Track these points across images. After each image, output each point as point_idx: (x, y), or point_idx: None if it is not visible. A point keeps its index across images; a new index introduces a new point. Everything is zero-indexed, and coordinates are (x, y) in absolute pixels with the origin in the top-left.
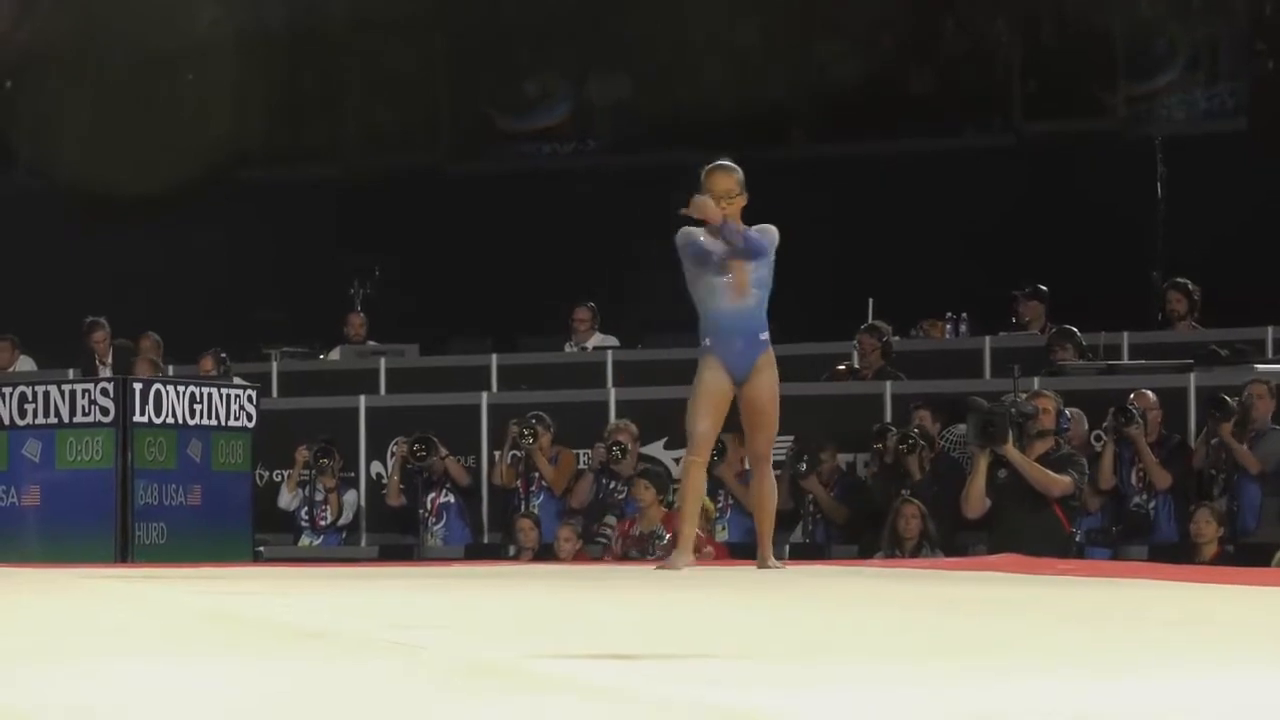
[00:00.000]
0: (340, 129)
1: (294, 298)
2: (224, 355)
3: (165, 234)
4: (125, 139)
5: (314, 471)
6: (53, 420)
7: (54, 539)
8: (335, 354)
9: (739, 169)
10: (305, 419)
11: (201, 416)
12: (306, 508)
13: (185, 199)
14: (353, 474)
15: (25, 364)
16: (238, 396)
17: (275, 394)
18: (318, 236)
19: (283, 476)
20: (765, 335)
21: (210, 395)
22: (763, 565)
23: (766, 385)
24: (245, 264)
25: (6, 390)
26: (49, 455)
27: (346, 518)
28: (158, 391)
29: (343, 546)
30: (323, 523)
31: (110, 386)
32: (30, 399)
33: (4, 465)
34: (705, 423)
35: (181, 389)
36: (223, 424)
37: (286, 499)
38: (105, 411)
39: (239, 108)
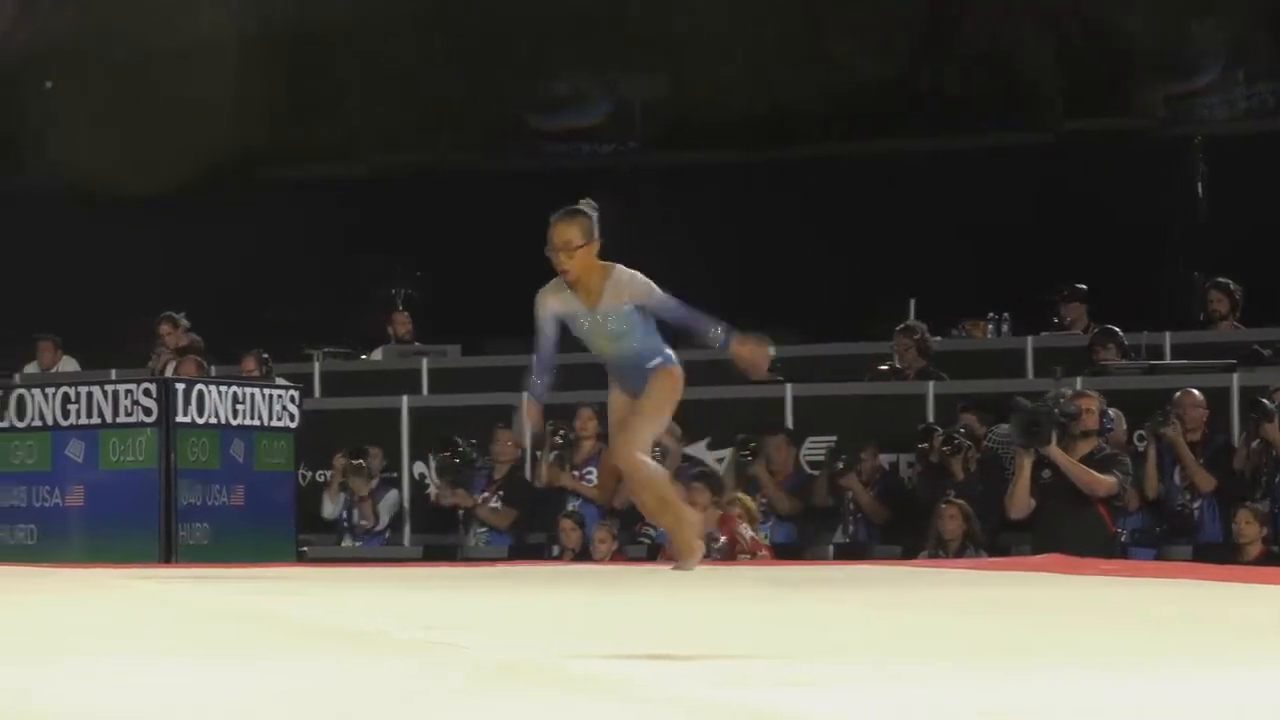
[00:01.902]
0: (372, 126)
1: (329, 297)
2: (266, 356)
3: (199, 232)
4: (161, 136)
5: (348, 480)
6: (96, 421)
7: (98, 539)
8: (377, 354)
9: (587, 212)
10: (348, 419)
11: (244, 417)
12: (347, 512)
13: (214, 197)
14: (395, 474)
15: (68, 365)
16: (280, 397)
17: (318, 394)
18: (350, 235)
19: (325, 477)
20: (653, 364)
21: (253, 395)
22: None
23: (645, 393)
24: (279, 263)
25: (50, 391)
26: (92, 456)
27: (383, 522)
28: (200, 392)
29: (386, 547)
30: (363, 526)
31: (153, 387)
32: (73, 399)
33: (48, 466)
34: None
35: (224, 389)
36: (265, 424)
37: (330, 509)
38: (148, 412)
39: (264, 106)
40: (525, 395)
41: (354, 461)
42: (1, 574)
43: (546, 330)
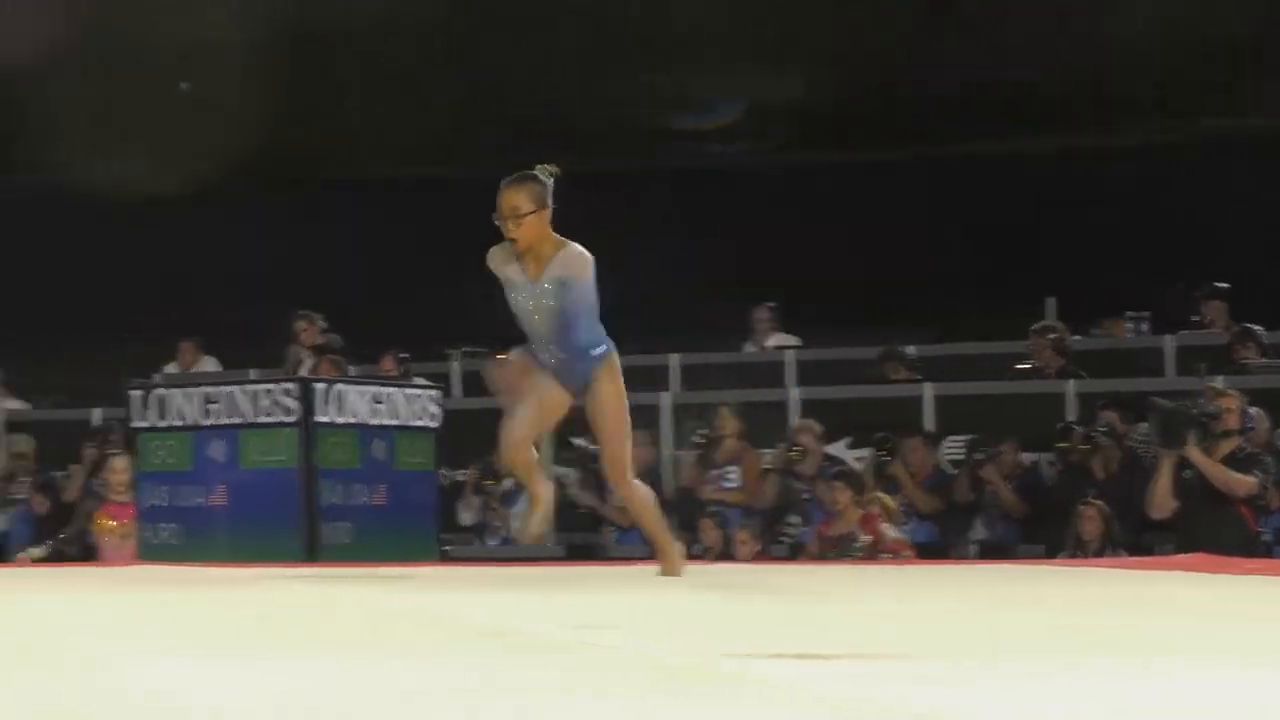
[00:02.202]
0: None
1: (467, 296)
2: (405, 355)
3: (331, 231)
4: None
5: (482, 490)
6: (236, 420)
7: (241, 539)
8: (515, 354)
9: (539, 178)
10: (489, 419)
11: (384, 416)
12: (484, 516)
13: (352, 196)
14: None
15: (208, 365)
16: (420, 397)
17: (457, 394)
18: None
19: (465, 477)
20: (597, 352)
21: (393, 395)
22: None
23: (599, 410)
24: (417, 260)
25: (190, 391)
26: (234, 455)
27: (516, 529)
28: (340, 391)
29: (529, 546)
30: (497, 529)
31: (293, 387)
32: (214, 399)
33: (190, 465)
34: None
35: (364, 389)
36: (406, 424)
37: (467, 518)
38: (289, 411)
39: (430, 102)
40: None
41: (484, 481)
42: (153, 573)
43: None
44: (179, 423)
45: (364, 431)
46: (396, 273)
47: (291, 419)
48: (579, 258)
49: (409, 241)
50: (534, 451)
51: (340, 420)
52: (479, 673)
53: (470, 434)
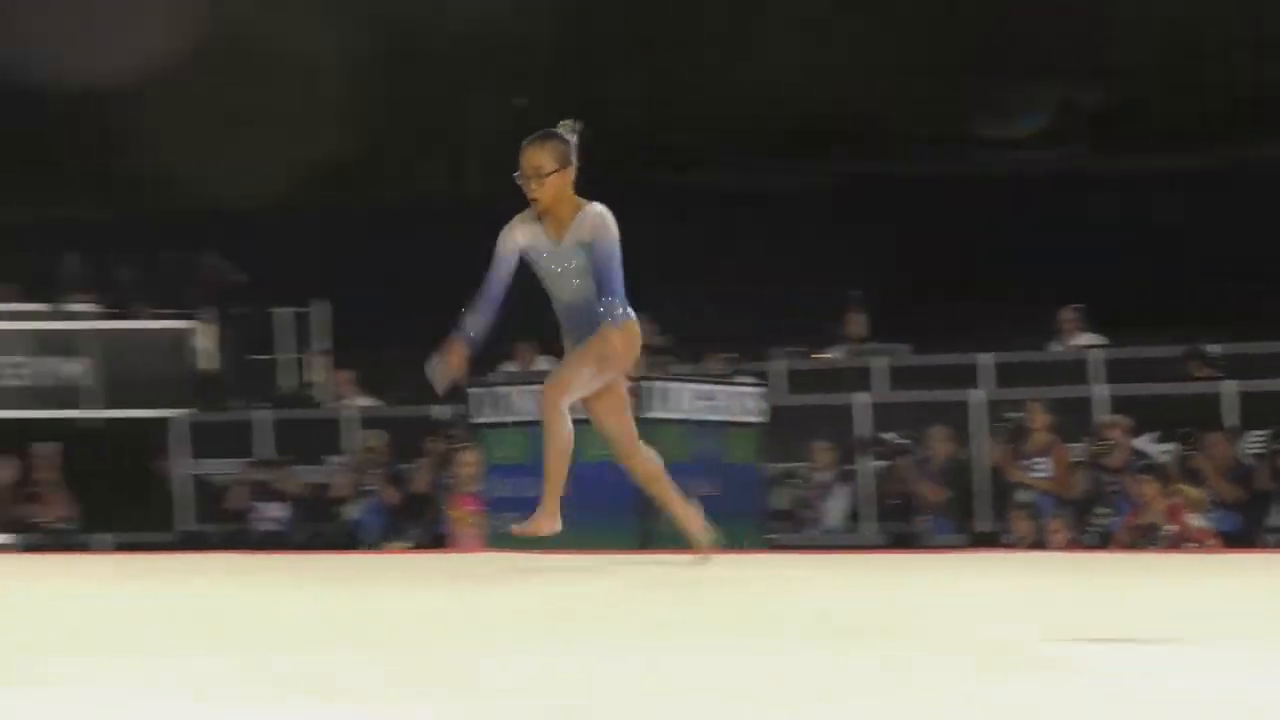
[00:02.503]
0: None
1: (788, 298)
2: (731, 355)
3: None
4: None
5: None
6: (575, 415)
7: (579, 528)
8: (834, 352)
9: (562, 135)
10: (808, 414)
11: (713, 412)
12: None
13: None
14: (850, 468)
15: (543, 365)
16: (746, 394)
17: (779, 390)
18: (810, 239)
19: (786, 469)
20: (617, 311)
21: (721, 392)
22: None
23: (585, 344)
24: (744, 264)
25: (526, 389)
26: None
27: (834, 519)
28: (670, 389)
29: (846, 534)
30: (812, 517)
31: (629, 385)
32: None
33: (529, 459)
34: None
35: (692, 386)
36: (734, 419)
37: (787, 508)
38: None
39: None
40: (452, 334)
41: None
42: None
43: (502, 266)
44: (518, 419)
45: (694, 426)
46: (721, 279)
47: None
48: (600, 217)
49: (730, 250)
50: (654, 459)
51: (671, 416)
52: (830, 655)
53: (792, 428)
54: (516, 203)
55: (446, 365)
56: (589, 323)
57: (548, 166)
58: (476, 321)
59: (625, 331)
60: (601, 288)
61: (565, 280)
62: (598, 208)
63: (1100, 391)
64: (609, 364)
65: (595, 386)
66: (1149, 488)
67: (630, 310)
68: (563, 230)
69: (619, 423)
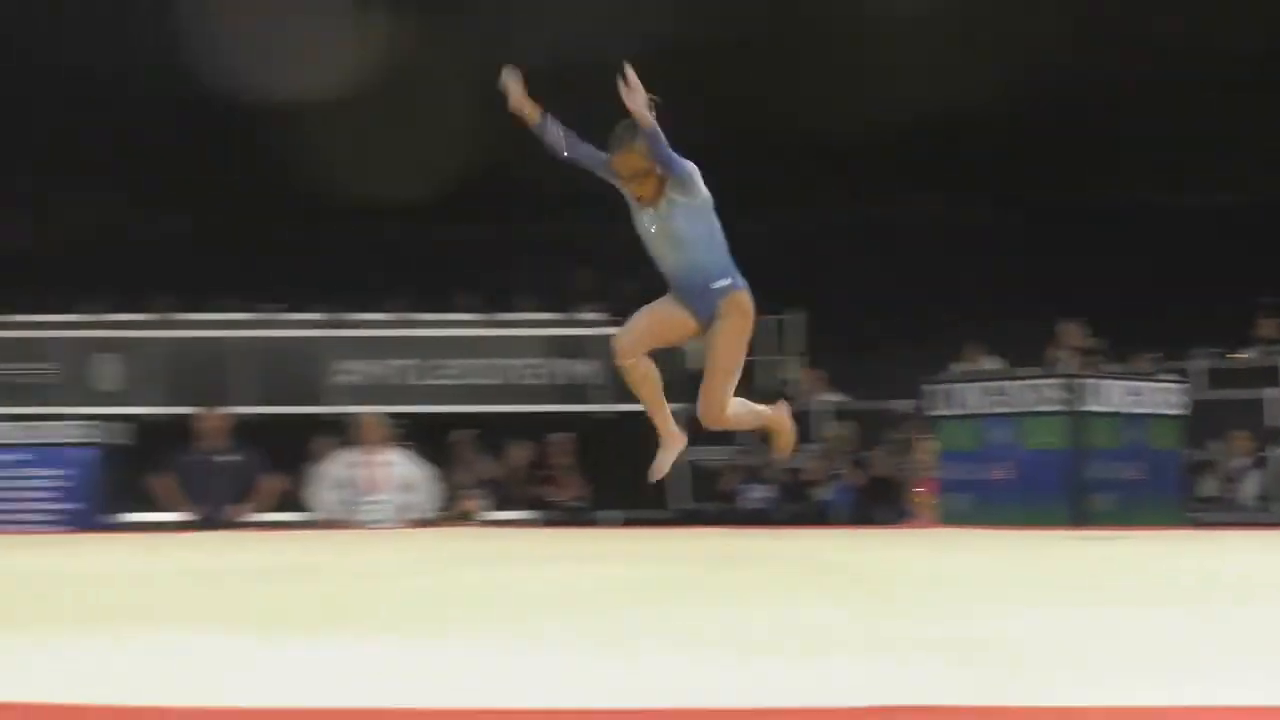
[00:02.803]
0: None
1: (1213, 304)
2: (1156, 355)
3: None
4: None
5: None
6: (1017, 409)
7: (1022, 507)
8: (1248, 353)
9: (639, 130)
10: (1225, 408)
11: (1139, 405)
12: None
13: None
14: (1261, 454)
15: (991, 364)
16: (1169, 389)
17: (1200, 386)
18: (1207, 260)
19: (1203, 457)
20: (720, 284)
21: (1147, 388)
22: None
23: (713, 344)
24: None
25: (976, 386)
26: (1015, 438)
27: (1249, 495)
28: (1102, 386)
29: (1257, 512)
30: (1231, 498)
31: (1063, 381)
32: (997, 392)
33: (978, 446)
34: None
35: (1122, 383)
36: (1157, 412)
37: (1209, 491)
38: (1061, 402)
39: None
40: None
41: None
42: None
43: (597, 157)
44: (968, 411)
45: (1123, 418)
46: (1146, 288)
47: (1063, 408)
48: (686, 171)
49: (1149, 265)
50: (652, 370)
51: (1103, 409)
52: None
53: (1210, 421)
54: None
55: (517, 90)
56: (699, 291)
57: (643, 166)
58: (557, 129)
59: (739, 303)
60: (695, 251)
61: (660, 238)
62: (684, 166)
63: None
64: (744, 342)
65: (739, 373)
66: None
67: (737, 276)
68: (659, 197)
69: (650, 326)
